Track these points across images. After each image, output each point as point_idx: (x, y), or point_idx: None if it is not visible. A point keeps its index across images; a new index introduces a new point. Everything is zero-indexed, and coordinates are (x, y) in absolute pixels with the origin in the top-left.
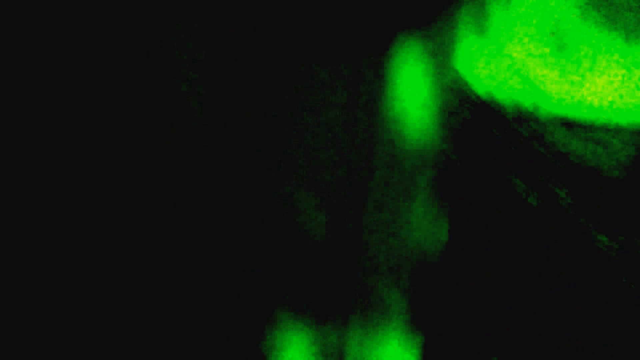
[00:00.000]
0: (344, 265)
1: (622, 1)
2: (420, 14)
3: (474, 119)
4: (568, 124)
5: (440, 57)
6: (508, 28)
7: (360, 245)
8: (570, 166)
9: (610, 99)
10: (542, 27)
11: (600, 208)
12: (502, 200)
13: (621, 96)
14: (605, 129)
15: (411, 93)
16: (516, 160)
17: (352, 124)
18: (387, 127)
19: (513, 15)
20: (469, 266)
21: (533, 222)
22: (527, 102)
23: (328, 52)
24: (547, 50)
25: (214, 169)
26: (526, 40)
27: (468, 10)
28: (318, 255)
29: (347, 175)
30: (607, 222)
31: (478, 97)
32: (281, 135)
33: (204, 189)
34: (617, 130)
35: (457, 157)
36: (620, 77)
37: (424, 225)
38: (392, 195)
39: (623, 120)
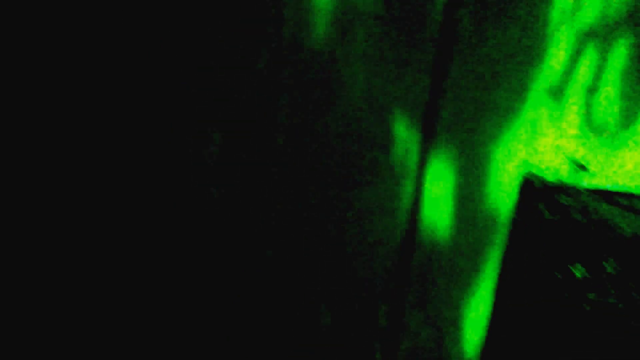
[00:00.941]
0: None
1: None
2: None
3: (523, 193)
4: (608, 194)
5: (499, 144)
6: (557, 120)
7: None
8: (611, 234)
9: None
10: (584, 111)
11: None
12: (548, 269)
13: None
14: None
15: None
16: (561, 232)
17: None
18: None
19: (557, 103)
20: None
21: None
22: (570, 177)
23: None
24: (588, 131)
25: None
26: (569, 123)
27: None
28: None
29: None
30: None
31: (523, 177)
32: None
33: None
34: None
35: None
36: None
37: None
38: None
39: None
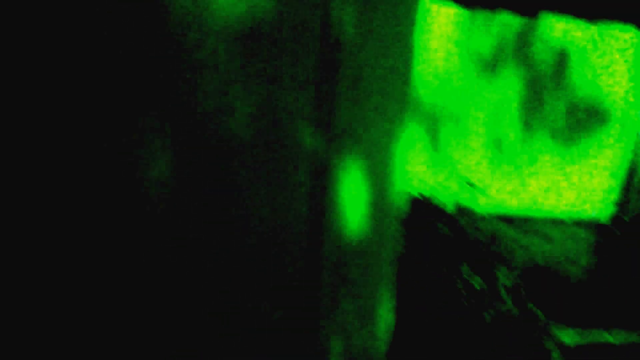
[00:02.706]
0: None
1: (556, 111)
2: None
3: (421, 215)
4: (508, 219)
5: (389, 167)
6: (456, 139)
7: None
8: (513, 255)
9: (548, 196)
10: (487, 137)
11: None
12: (447, 285)
13: (559, 194)
14: (544, 222)
15: (363, 198)
16: (458, 248)
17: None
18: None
19: (461, 129)
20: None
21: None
22: (468, 201)
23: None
24: (489, 156)
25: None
26: (472, 149)
27: (418, 124)
28: None
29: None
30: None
31: (424, 197)
32: None
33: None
34: (557, 223)
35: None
36: (557, 177)
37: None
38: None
39: (561, 215)
